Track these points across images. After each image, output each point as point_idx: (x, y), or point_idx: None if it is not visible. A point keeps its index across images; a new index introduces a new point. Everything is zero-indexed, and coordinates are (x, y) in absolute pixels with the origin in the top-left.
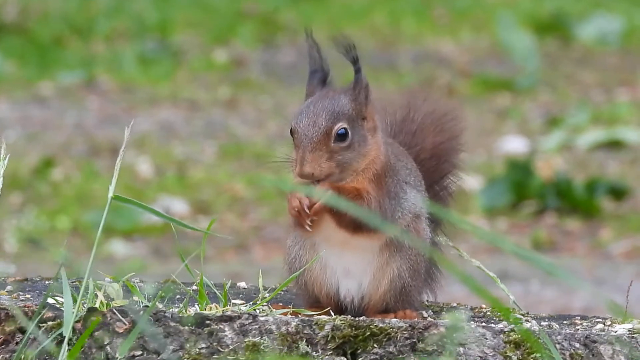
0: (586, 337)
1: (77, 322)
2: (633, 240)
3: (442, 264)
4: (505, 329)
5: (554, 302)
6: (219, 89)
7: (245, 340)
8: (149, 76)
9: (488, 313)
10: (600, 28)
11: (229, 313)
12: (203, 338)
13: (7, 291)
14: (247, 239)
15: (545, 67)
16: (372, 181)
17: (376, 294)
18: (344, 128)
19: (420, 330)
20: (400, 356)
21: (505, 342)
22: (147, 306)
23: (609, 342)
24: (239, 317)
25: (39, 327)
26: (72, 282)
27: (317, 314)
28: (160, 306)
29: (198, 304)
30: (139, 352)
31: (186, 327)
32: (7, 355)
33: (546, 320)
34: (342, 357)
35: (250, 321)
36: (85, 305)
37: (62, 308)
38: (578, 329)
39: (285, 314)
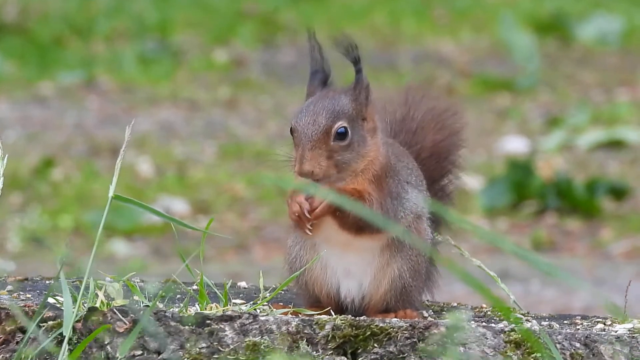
0: (586, 337)
1: (77, 321)
2: (633, 240)
3: (443, 264)
4: (506, 329)
5: (554, 302)
6: (219, 89)
7: (246, 339)
8: (149, 76)
9: (488, 313)
10: (600, 28)
11: (229, 313)
12: (203, 338)
13: (7, 291)
14: (247, 239)
15: (546, 67)
16: (373, 182)
17: (377, 294)
18: (344, 127)
19: (421, 330)
20: (401, 356)
21: (505, 342)
22: (148, 306)
23: (609, 342)
24: (240, 317)
25: (40, 327)
26: (73, 282)
27: (318, 314)
28: (161, 306)
29: (198, 304)
30: (139, 352)
31: (187, 327)
32: (8, 355)
33: (546, 320)
34: (343, 357)
35: (250, 321)
36: (85, 305)
37: (62, 308)
38: (578, 329)
39: (285, 313)
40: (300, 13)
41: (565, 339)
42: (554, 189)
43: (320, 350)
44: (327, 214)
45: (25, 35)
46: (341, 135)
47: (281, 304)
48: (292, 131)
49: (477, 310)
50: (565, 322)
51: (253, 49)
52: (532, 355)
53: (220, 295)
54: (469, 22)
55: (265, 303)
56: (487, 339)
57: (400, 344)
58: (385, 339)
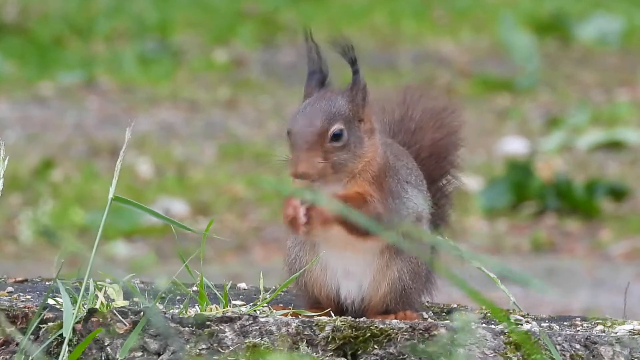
0: (586, 339)
1: (77, 323)
2: (633, 241)
3: (438, 269)
4: (506, 330)
5: (554, 304)
6: (219, 89)
7: (246, 341)
8: (149, 76)
9: (488, 314)
10: (600, 28)
11: (229, 314)
12: (203, 339)
13: (7, 292)
14: (247, 240)
15: (545, 68)
16: (373, 183)
17: (376, 296)
18: (340, 129)
19: (421, 331)
20: (401, 357)
21: (505, 344)
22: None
23: (609, 343)
24: (240, 318)
25: (40, 328)
26: (73, 283)
27: (318, 315)
28: (161, 307)
29: (198, 305)
30: (140, 353)
31: (186, 328)
32: (7, 356)
33: (546, 321)
34: (343, 358)
35: (250, 322)
36: (85, 306)
37: (62, 309)
38: (578, 330)
39: (285, 314)
40: (300, 13)
41: (565, 341)
42: (554, 189)
43: (320, 351)
44: (337, 221)
45: (25, 35)
46: (337, 137)
47: (281, 305)
48: (288, 133)
49: (477, 312)
50: (565, 323)
51: (253, 49)
52: (532, 357)
53: (220, 296)
54: (469, 22)
55: (265, 304)
56: (488, 340)
57: (400, 345)
58: (385, 341)
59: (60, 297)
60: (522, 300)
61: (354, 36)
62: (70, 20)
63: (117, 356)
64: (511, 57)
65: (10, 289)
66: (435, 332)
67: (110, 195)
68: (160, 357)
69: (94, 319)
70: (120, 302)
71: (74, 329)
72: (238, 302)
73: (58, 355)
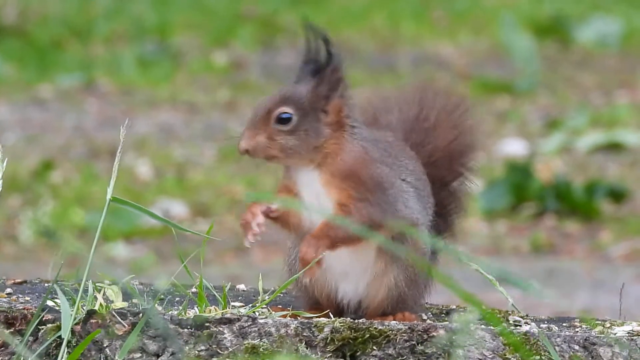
0: (585, 340)
1: (76, 324)
2: (632, 242)
3: (432, 275)
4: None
5: (553, 305)
6: (219, 91)
7: (245, 342)
8: (148, 78)
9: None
10: (599, 30)
11: (228, 315)
12: (202, 340)
13: (6, 294)
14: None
15: (545, 70)
16: (346, 177)
17: (374, 302)
18: (287, 112)
19: (420, 332)
20: (400, 358)
21: (504, 345)
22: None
23: (608, 344)
24: (239, 320)
25: (39, 330)
26: (72, 284)
27: (317, 316)
28: (160, 308)
29: (197, 307)
30: (139, 354)
31: (186, 329)
32: (7, 358)
33: (545, 322)
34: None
35: (249, 323)
36: (84, 308)
37: (61, 310)
38: (577, 331)
39: (284, 316)
40: (300, 15)
41: (564, 342)
42: (553, 191)
43: (319, 352)
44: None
45: (25, 38)
46: (283, 120)
47: (280, 306)
48: None
49: (476, 312)
50: (564, 324)
51: (252, 51)
52: (531, 359)
53: (219, 298)
54: (468, 24)
55: (265, 306)
56: (487, 341)
57: (399, 346)
58: (384, 342)
59: (59, 299)
60: (521, 302)
61: (353, 38)
62: (69, 23)
63: (116, 357)
64: (511, 60)
65: (9, 290)
66: (434, 334)
67: (109, 196)
68: (160, 358)
69: (93, 320)
70: (119, 304)
71: (73, 331)
72: (237, 304)
73: (57, 356)
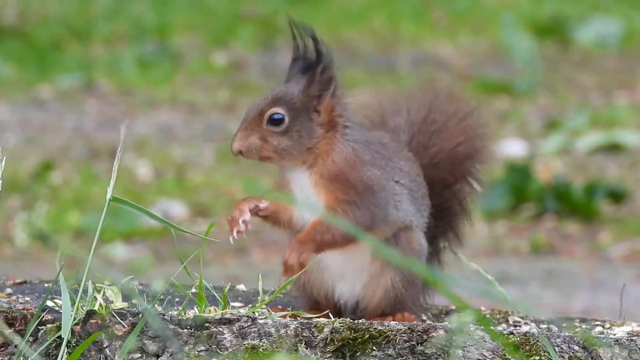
0: (585, 340)
1: (76, 324)
2: (632, 243)
3: (426, 280)
4: (505, 332)
5: (553, 305)
6: (218, 92)
7: (244, 342)
8: (148, 79)
9: (487, 316)
10: (599, 31)
11: (228, 316)
12: (202, 341)
13: (6, 294)
14: (246, 242)
15: (545, 70)
16: (335, 179)
17: (371, 303)
18: (280, 114)
19: (419, 333)
20: (400, 359)
21: (504, 345)
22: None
23: (608, 345)
24: (238, 320)
25: (39, 330)
26: (72, 285)
27: (316, 317)
28: (159, 309)
29: (197, 307)
30: (138, 355)
31: (185, 330)
32: (6, 358)
33: (545, 323)
34: None
35: (249, 324)
36: (84, 308)
37: (61, 311)
38: (577, 332)
39: (284, 316)
40: (299, 15)
41: (564, 342)
42: (553, 192)
43: (319, 353)
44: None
45: (24, 38)
46: (275, 121)
47: (280, 307)
48: None
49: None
50: (564, 325)
51: (252, 51)
52: (531, 359)
53: (219, 298)
54: (468, 24)
55: (264, 306)
56: (486, 342)
57: (399, 347)
58: (384, 342)
59: (59, 299)
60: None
61: (353, 38)
62: (69, 23)
63: (116, 358)
64: (510, 60)
65: (9, 290)
66: (433, 334)
67: (108, 197)
68: (159, 359)
69: (92, 321)
70: (119, 304)
71: (72, 331)
72: (237, 304)
73: (57, 356)
